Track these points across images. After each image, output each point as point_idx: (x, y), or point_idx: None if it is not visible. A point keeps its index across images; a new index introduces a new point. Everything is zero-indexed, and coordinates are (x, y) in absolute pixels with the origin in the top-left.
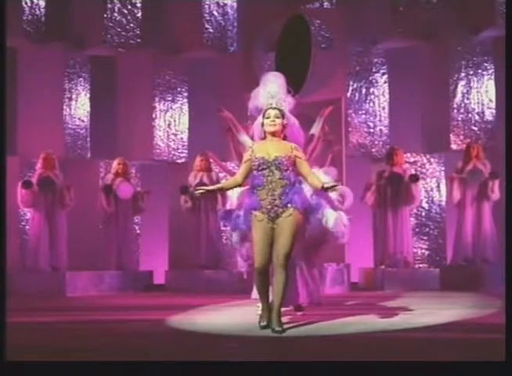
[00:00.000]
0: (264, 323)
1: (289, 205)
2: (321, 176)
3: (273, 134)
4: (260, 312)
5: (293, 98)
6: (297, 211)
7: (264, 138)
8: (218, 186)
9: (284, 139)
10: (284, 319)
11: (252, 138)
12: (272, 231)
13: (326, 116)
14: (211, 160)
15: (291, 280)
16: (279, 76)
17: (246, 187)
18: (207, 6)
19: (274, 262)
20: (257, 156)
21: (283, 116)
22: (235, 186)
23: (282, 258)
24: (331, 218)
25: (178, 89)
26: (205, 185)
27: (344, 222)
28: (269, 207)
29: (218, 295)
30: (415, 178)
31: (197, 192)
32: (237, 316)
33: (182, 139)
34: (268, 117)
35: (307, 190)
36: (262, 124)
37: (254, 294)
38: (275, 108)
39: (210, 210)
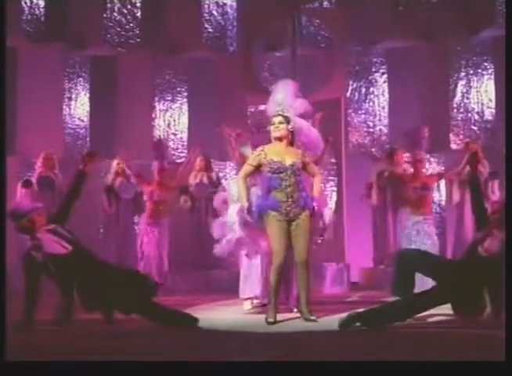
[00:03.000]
0: (272, 320)
1: (305, 207)
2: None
3: (279, 139)
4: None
5: (305, 101)
6: (310, 213)
7: (271, 142)
8: (245, 201)
9: (292, 143)
10: (282, 315)
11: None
12: (289, 231)
13: (318, 123)
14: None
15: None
16: (288, 84)
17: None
18: (206, 6)
19: (296, 260)
20: (274, 160)
21: (288, 121)
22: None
23: (304, 256)
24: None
25: (178, 89)
26: (205, 185)
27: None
28: (288, 209)
29: (217, 295)
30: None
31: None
32: (236, 313)
33: (181, 138)
34: (272, 124)
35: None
36: (270, 130)
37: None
38: (279, 115)
39: (211, 210)
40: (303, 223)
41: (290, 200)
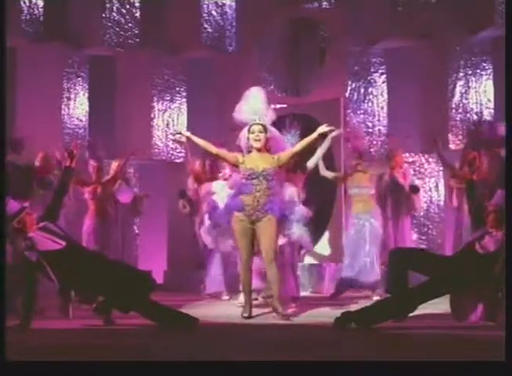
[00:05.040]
0: (246, 315)
1: (268, 212)
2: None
3: (258, 149)
4: (241, 302)
5: (273, 110)
6: (275, 218)
7: (250, 151)
8: (196, 138)
9: (268, 150)
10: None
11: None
12: (252, 231)
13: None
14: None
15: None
16: (261, 91)
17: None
18: (205, 6)
19: (264, 258)
20: (247, 166)
21: (265, 130)
22: (206, 149)
23: (270, 253)
24: (297, 232)
25: (177, 89)
26: None
27: (307, 237)
28: (252, 211)
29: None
30: (416, 189)
31: (177, 136)
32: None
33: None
34: (252, 133)
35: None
36: (248, 139)
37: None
38: (258, 124)
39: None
40: (265, 226)
41: (255, 203)
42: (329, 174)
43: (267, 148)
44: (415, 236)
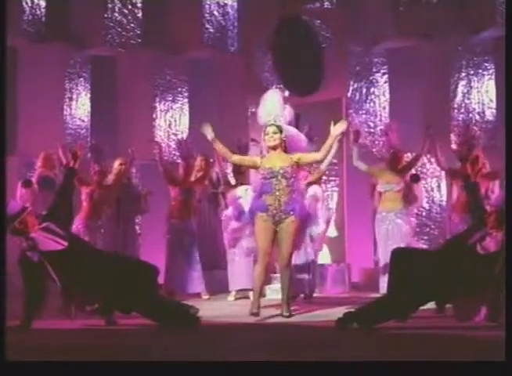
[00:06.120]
0: (255, 311)
1: (291, 213)
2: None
3: (274, 148)
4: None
5: (291, 109)
6: (297, 219)
7: (268, 152)
8: (218, 143)
9: (285, 150)
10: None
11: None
12: (275, 232)
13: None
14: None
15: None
16: (276, 92)
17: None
18: (207, 6)
19: (279, 261)
20: (265, 166)
21: (280, 131)
22: (226, 156)
23: (286, 258)
24: (318, 230)
25: (179, 89)
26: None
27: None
28: (275, 211)
29: (217, 295)
30: (416, 178)
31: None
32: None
33: (182, 138)
34: (267, 134)
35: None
36: (264, 140)
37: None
38: (272, 125)
39: (212, 211)
40: (287, 228)
41: (277, 203)
42: (362, 166)
43: (283, 148)
44: (416, 236)
